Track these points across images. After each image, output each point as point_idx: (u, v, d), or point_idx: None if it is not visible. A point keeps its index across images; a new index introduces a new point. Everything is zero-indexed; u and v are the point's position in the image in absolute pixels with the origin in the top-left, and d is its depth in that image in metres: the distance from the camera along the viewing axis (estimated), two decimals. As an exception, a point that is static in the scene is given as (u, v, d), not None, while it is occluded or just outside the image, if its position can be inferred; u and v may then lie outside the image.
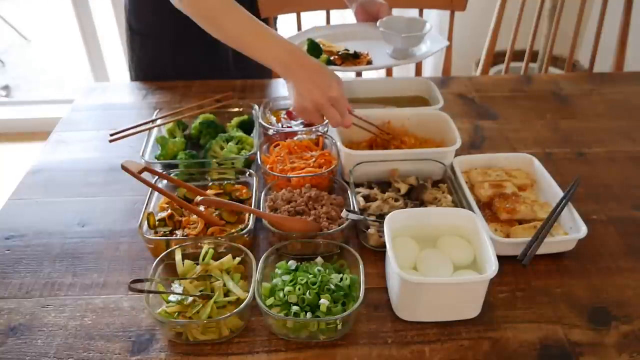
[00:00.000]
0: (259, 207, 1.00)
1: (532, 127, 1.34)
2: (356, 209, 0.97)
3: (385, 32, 1.26)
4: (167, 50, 1.48)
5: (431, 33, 1.29)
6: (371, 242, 0.96)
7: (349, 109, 1.05)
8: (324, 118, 1.04)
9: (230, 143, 1.16)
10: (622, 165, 1.20)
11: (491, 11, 1.89)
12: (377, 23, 1.29)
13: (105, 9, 2.74)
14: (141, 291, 0.80)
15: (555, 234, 0.96)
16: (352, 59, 1.25)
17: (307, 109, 1.01)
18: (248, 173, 1.08)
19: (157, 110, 1.26)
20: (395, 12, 1.37)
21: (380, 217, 0.95)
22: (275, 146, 1.15)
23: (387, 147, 1.15)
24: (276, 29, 1.68)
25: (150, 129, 1.20)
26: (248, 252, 0.88)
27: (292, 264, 0.87)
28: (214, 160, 1.12)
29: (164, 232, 0.97)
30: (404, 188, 1.05)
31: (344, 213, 0.93)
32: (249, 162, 1.14)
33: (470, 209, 0.97)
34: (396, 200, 1.02)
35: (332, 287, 0.81)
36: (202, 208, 0.99)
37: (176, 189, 1.05)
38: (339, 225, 0.94)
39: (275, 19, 1.66)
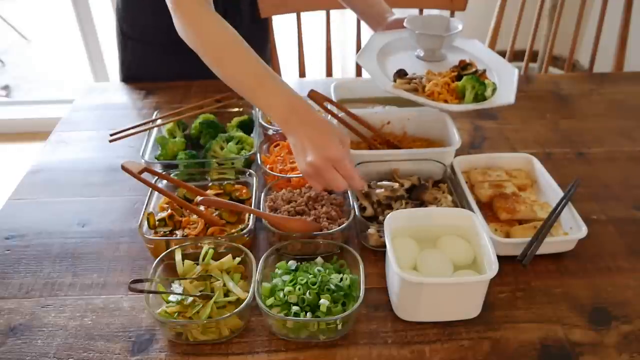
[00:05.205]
0: (259, 207, 1.00)
1: (532, 127, 1.34)
2: (356, 209, 0.97)
3: (421, 33, 1.18)
4: (158, 55, 1.47)
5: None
6: (371, 242, 0.96)
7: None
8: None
9: (230, 143, 1.16)
10: (622, 165, 1.20)
11: (491, 11, 1.89)
12: (405, 23, 1.21)
13: (106, 9, 2.74)
14: (141, 291, 0.80)
15: (555, 234, 0.96)
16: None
17: (308, 172, 0.86)
18: (248, 173, 1.08)
19: (157, 110, 1.27)
20: (396, 12, 1.37)
21: (380, 217, 0.95)
22: (275, 146, 1.16)
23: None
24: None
25: (150, 129, 1.20)
26: (248, 252, 0.88)
27: (292, 264, 0.87)
28: (214, 160, 1.12)
29: (164, 232, 0.97)
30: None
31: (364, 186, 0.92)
32: (249, 162, 1.14)
33: (470, 209, 0.97)
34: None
35: (332, 287, 0.81)
36: (202, 208, 0.99)
37: (176, 189, 1.05)
38: (339, 225, 0.94)
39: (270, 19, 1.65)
